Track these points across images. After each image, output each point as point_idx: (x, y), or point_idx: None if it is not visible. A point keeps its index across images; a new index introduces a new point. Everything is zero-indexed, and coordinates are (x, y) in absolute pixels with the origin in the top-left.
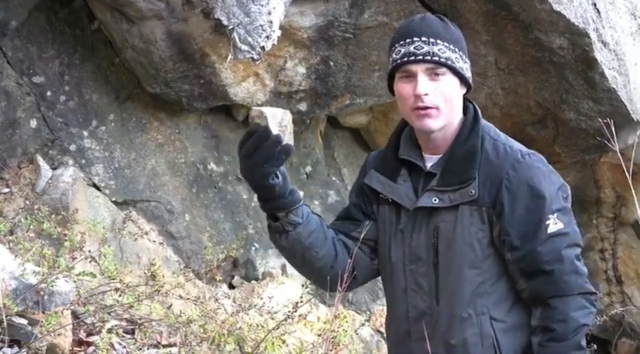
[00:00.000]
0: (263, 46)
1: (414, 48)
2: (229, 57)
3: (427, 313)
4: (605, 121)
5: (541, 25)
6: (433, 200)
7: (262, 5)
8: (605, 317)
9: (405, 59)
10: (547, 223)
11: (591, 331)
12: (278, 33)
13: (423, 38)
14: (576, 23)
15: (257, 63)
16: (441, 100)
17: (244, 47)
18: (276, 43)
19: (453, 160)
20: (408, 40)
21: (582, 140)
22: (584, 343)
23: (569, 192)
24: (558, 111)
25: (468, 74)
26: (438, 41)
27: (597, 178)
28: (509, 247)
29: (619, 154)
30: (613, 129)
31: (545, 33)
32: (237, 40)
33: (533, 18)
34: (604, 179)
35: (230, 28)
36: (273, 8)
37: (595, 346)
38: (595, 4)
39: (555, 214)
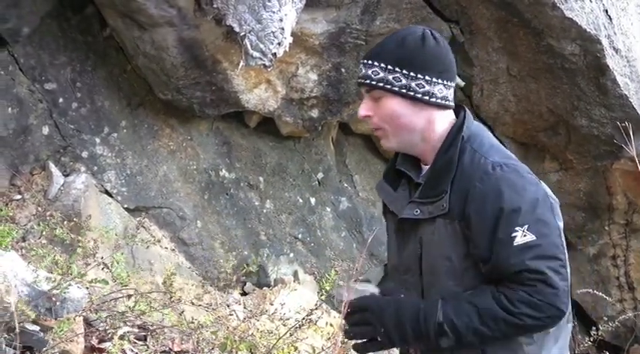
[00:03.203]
0: (275, 53)
1: (359, 70)
2: (241, 64)
3: None
4: (623, 124)
5: (553, 31)
6: (415, 212)
7: (274, 12)
8: (617, 324)
9: (357, 81)
10: (513, 235)
11: (604, 337)
12: (290, 40)
13: (364, 61)
14: (588, 30)
15: (269, 70)
16: (382, 122)
17: (256, 54)
18: (287, 49)
19: (434, 171)
20: (361, 61)
21: (594, 147)
22: (479, 328)
23: (551, 204)
24: (570, 117)
25: (422, 90)
26: (375, 63)
27: (609, 184)
28: (479, 258)
29: (636, 158)
30: (631, 132)
31: (557, 39)
32: (248, 46)
33: (545, 25)
34: (616, 186)
35: (242, 34)
36: (284, 15)
37: (607, 353)
38: (607, 11)
39: (525, 226)
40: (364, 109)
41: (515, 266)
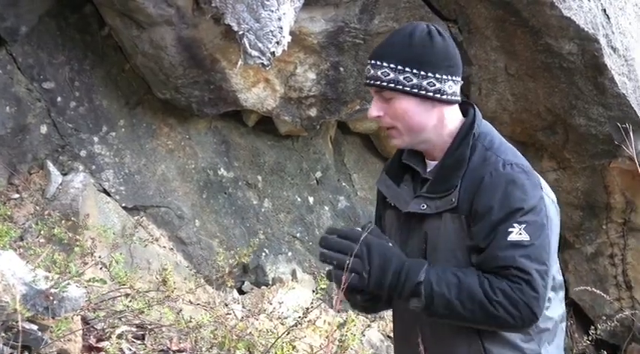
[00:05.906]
0: (273, 52)
1: (366, 71)
2: (239, 63)
3: (421, 318)
4: (624, 126)
5: (551, 30)
6: (421, 206)
7: (272, 11)
8: (615, 322)
9: (364, 81)
10: (510, 230)
11: (601, 336)
12: (288, 39)
13: (372, 61)
14: (586, 29)
15: (267, 69)
16: (395, 122)
17: (254, 53)
18: (286, 48)
19: (443, 168)
20: (368, 61)
21: (592, 146)
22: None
23: (551, 211)
24: (568, 116)
25: (432, 88)
26: (384, 63)
27: (607, 183)
28: (473, 249)
29: (635, 159)
30: (631, 134)
31: (555, 39)
32: (247, 45)
33: (543, 24)
34: (614, 184)
35: (240, 33)
36: (283, 14)
37: (605, 352)
38: (605, 10)
39: (523, 226)
40: (375, 109)
41: (506, 260)
